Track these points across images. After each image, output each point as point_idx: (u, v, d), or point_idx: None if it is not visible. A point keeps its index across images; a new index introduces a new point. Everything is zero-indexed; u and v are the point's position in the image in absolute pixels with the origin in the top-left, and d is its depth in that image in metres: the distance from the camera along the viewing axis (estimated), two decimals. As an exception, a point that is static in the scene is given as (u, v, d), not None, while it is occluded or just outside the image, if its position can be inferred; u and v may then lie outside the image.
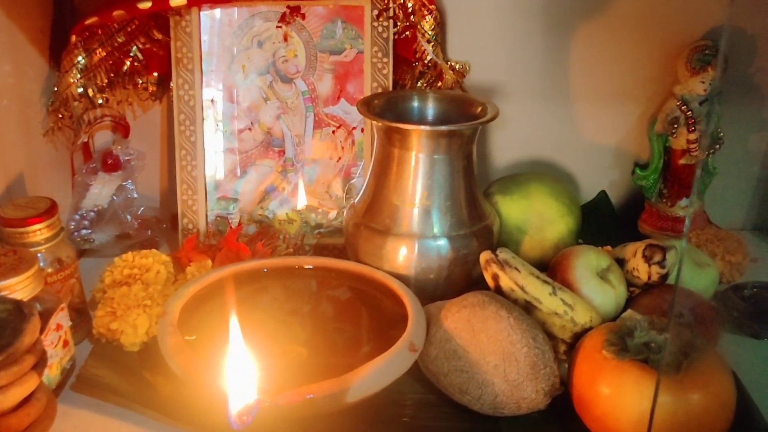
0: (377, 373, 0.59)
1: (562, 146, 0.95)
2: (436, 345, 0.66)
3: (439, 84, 0.88)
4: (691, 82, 0.85)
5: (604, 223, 0.93)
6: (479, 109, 0.78)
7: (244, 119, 0.88)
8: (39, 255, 0.68)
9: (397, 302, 0.70)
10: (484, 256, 0.70)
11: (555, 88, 0.92)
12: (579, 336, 0.67)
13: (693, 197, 0.85)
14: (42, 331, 0.61)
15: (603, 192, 0.96)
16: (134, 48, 0.85)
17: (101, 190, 0.90)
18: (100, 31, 0.83)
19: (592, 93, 0.92)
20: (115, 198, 0.90)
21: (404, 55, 0.87)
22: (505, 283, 0.68)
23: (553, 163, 0.96)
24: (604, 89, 0.92)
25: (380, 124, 0.74)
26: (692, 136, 0.86)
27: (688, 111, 0.85)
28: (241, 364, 0.56)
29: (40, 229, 0.69)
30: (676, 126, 0.86)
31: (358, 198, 0.80)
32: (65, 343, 0.67)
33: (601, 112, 0.93)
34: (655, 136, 0.89)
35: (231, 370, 0.56)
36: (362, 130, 0.89)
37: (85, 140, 0.90)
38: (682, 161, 0.89)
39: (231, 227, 0.86)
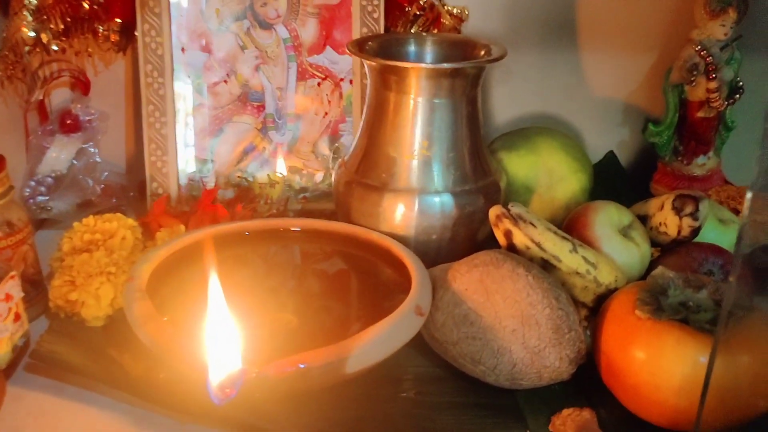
0: (380, 339, 0.53)
1: (567, 102, 0.92)
2: (444, 310, 0.60)
3: (435, 31, 0.83)
4: (711, 26, 0.80)
5: (613, 185, 0.88)
6: (483, 51, 0.72)
7: (219, 71, 0.83)
8: None
9: (397, 266, 0.65)
10: (495, 210, 0.64)
11: (559, 37, 0.89)
12: (602, 299, 0.62)
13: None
14: None
15: (611, 152, 0.92)
16: None
17: (59, 154, 0.84)
18: None
19: (601, 41, 0.89)
20: (75, 162, 0.85)
21: None
22: (520, 239, 0.62)
23: (557, 120, 0.93)
24: (613, 37, 0.89)
25: (374, 63, 0.68)
26: (712, 85, 0.81)
27: (708, 57, 0.80)
28: (223, 331, 0.50)
29: None
30: (695, 74, 0.81)
31: (348, 153, 0.74)
32: (17, 317, 0.61)
33: (609, 62, 0.90)
34: (670, 87, 0.85)
35: (210, 338, 0.49)
36: (351, 82, 0.84)
37: (41, 98, 0.85)
38: (700, 114, 0.84)
39: (206, 190, 0.80)
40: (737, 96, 0.83)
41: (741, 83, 0.83)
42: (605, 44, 0.88)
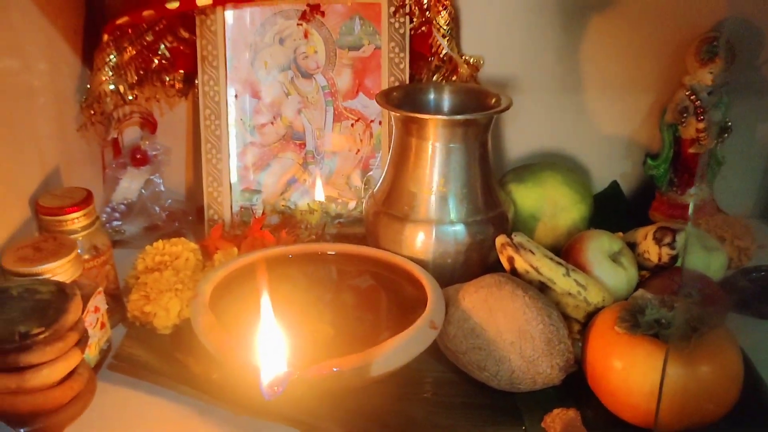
0: (399, 348, 0.62)
1: (574, 138, 0.96)
2: (455, 324, 0.68)
3: (454, 78, 0.90)
4: (700, 73, 0.86)
5: (616, 212, 0.94)
6: (493, 100, 0.80)
7: (267, 114, 0.90)
8: (77, 242, 0.70)
9: (417, 285, 0.72)
10: (500, 239, 0.73)
11: (567, 81, 0.93)
12: (592, 316, 0.69)
13: (698, 182, 0.87)
14: (82, 312, 0.63)
15: (615, 182, 0.98)
16: (162, 46, 0.88)
17: (130, 184, 0.93)
18: (130, 31, 0.86)
19: (604, 85, 0.94)
20: (143, 191, 0.94)
21: (420, 50, 0.90)
22: (520, 265, 0.71)
23: (566, 155, 0.98)
24: (615, 81, 0.93)
25: (398, 114, 0.76)
26: (701, 125, 0.87)
27: (697, 101, 0.87)
28: (272, 340, 0.59)
29: (77, 218, 0.71)
30: (685, 115, 0.88)
31: (377, 187, 0.82)
32: (102, 325, 0.70)
33: (612, 103, 0.94)
34: (666, 126, 0.91)
35: (262, 346, 0.59)
36: (380, 123, 0.91)
37: (115, 136, 0.93)
38: (691, 150, 0.90)
39: (255, 217, 0.88)
40: (726, 135, 0.89)
41: (729, 123, 0.89)
42: (609, 87, 0.93)
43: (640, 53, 0.92)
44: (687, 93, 0.88)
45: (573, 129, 0.96)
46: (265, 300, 0.60)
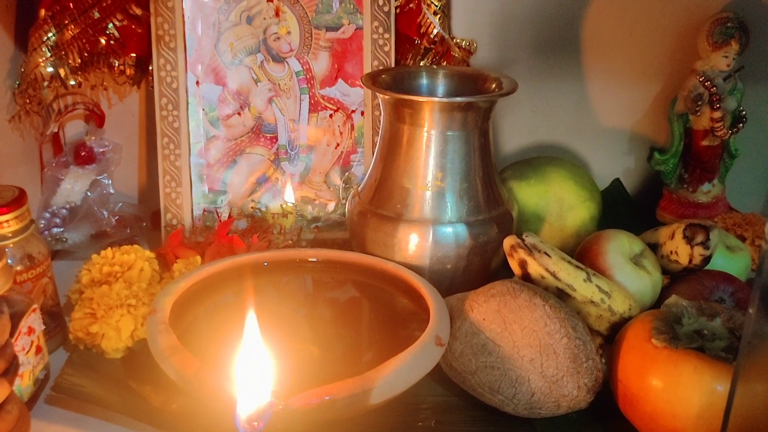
0: (403, 370, 0.54)
1: (574, 131, 0.93)
2: (462, 340, 0.61)
3: (444, 63, 0.85)
4: (714, 57, 0.82)
5: (619, 213, 0.90)
6: (494, 84, 0.74)
7: (233, 103, 0.84)
8: (6, 250, 0.63)
9: (413, 296, 0.66)
10: (509, 240, 0.65)
11: (565, 68, 0.90)
12: (616, 327, 0.63)
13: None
14: (12, 334, 0.55)
15: (617, 180, 0.93)
16: (110, 25, 0.81)
17: (74, 186, 0.86)
18: (72, 5, 0.79)
19: (606, 71, 0.90)
20: (89, 194, 0.87)
21: (406, 32, 0.84)
22: (534, 269, 0.63)
23: (565, 149, 0.94)
24: (618, 67, 0.90)
25: (389, 97, 0.70)
26: (716, 114, 0.83)
27: (712, 87, 0.82)
28: (249, 363, 0.51)
29: (7, 221, 0.63)
30: (699, 104, 0.83)
31: (362, 184, 0.76)
32: (38, 350, 0.61)
33: (615, 92, 0.91)
34: (675, 116, 0.86)
35: (238, 371, 0.50)
36: (362, 114, 0.85)
37: (56, 130, 0.87)
38: (704, 142, 0.86)
39: (220, 221, 0.81)
40: (741, 125, 0.85)
41: (744, 112, 0.85)
42: (611, 74, 0.90)
43: (646, 37, 0.88)
44: (700, 79, 0.83)
45: (573, 121, 0.93)
46: (248, 315, 0.52)
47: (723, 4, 0.84)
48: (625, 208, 0.91)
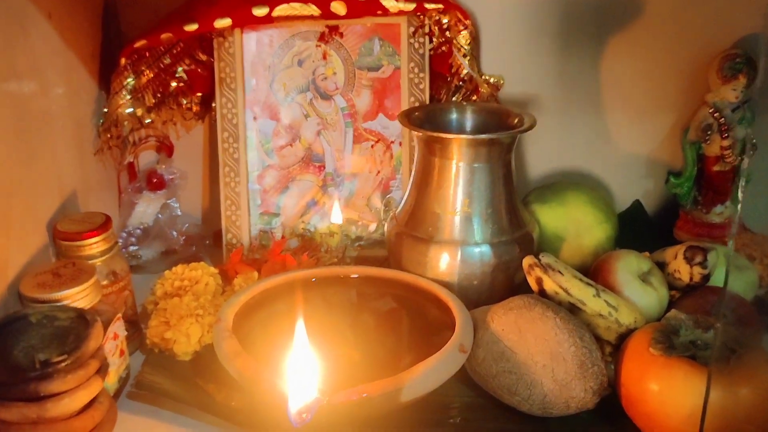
0: (429, 373, 0.60)
1: (595, 157, 0.96)
2: (484, 347, 0.67)
3: (475, 98, 0.90)
4: (723, 90, 0.86)
5: (639, 231, 0.94)
6: (516, 119, 0.80)
7: (286, 136, 0.90)
8: (96, 267, 0.69)
9: (443, 308, 0.71)
10: (528, 260, 0.71)
11: (588, 101, 0.93)
12: (624, 337, 0.68)
13: (734, 199, 0.85)
14: (102, 339, 0.62)
15: (637, 201, 0.97)
16: (179, 69, 0.88)
17: (146, 208, 0.92)
18: (147, 54, 0.86)
19: (625, 104, 0.93)
20: (159, 216, 0.93)
21: (440, 70, 0.89)
22: (549, 286, 0.69)
23: (588, 174, 0.97)
24: (636, 100, 0.93)
25: (421, 134, 0.76)
26: (726, 143, 0.87)
27: (720, 118, 0.86)
28: (300, 365, 0.57)
29: (96, 242, 0.71)
30: (709, 133, 0.87)
31: (399, 209, 0.81)
32: (121, 352, 0.69)
33: (633, 122, 0.94)
34: (689, 144, 0.90)
35: (289, 371, 0.57)
36: (400, 144, 0.90)
37: (131, 160, 0.93)
38: (716, 168, 0.89)
39: (275, 241, 0.87)
40: (752, 153, 0.88)
41: (754, 140, 0.88)
42: (631, 106, 0.93)
43: (661, 72, 0.92)
44: (710, 110, 0.87)
45: (594, 148, 0.96)
46: (298, 323, 0.58)
47: (732, 42, 0.87)
48: (645, 227, 0.95)
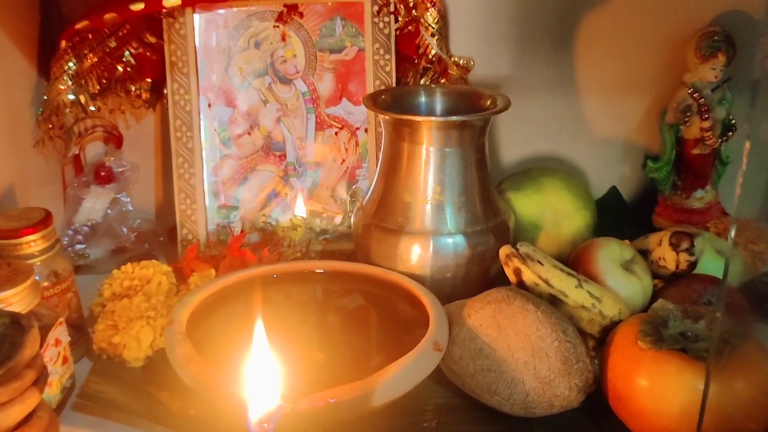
0: (403, 374, 0.57)
1: (570, 141, 0.94)
2: (460, 344, 0.63)
3: (443, 81, 0.87)
4: (702, 69, 0.84)
5: (617, 219, 0.91)
6: (489, 101, 0.77)
7: (243, 123, 0.87)
8: (34, 268, 0.65)
9: (415, 304, 0.68)
10: (504, 250, 0.68)
11: (560, 82, 0.91)
12: (608, 330, 0.65)
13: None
14: (41, 346, 0.57)
15: (614, 187, 0.95)
16: (126, 53, 0.84)
17: (94, 204, 0.88)
18: (90, 36, 0.82)
19: (599, 85, 0.91)
20: (109, 211, 0.89)
21: (406, 52, 0.86)
22: (528, 277, 0.66)
23: (562, 159, 0.95)
24: (610, 81, 0.91)
25: (389, 117, 0.72)
26: (706, 124, 0.84)
27: (700, 98, 0.84)
28: (260, 369, 0.54)
29: (34, 240, 0.67)
30: (689, 114, 0.85)
31: (366, 198, 0.78)
32: (65, 360, 0.64)
33: (609, 104, 0.92)
34: (667, 126, 0.88)
35: (249, 377, 0.53)
36: (366, 131, 0.87)
37: (77, 152, 0.89)
38: (695, 151, 0.87)
39: (233, 236, 0.84)
40: (730, 133, 0.86)
41: (734, 121, 0.86)
42: (605, 87, 0.91)
43: (636, 51, 0.90)
44: (689, 91, 0.85)
45: (568, 132, 0.94)
46: (258, 324, 0.54)
47: (710, 19, 0.86)
48: (622, 215, 0.93)
